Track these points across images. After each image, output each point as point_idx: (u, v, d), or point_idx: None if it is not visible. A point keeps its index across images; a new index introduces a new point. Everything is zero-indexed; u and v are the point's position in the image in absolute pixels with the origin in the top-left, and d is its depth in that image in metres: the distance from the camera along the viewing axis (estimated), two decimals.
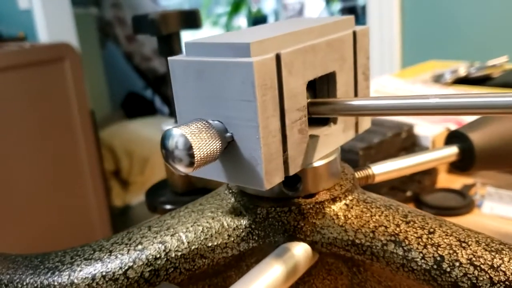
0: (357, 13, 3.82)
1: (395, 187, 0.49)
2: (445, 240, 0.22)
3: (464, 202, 0.47)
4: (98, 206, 1.79)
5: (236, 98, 0.21)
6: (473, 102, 0.19)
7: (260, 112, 0.21)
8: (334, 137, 0.26)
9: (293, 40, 0.23)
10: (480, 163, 0.32)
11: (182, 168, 0.21)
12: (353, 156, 0.49)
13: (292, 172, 0.23)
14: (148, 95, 2.96)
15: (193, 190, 0.46)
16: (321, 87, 0.26)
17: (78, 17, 2.22)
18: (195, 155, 0.20)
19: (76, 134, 1.71)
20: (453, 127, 0.54)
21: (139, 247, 0.25)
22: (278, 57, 0.21)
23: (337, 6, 3.96)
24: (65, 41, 1.79)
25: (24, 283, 0.24)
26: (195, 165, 0.21)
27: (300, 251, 0.24)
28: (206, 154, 0.21)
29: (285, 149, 0.23)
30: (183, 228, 0.25)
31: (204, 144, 0.21)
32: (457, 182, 0.52)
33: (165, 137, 0.21)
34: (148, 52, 2.68)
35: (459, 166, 0.32)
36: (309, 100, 0.24)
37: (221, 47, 0.22)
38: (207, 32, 3.67)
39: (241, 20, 3.61)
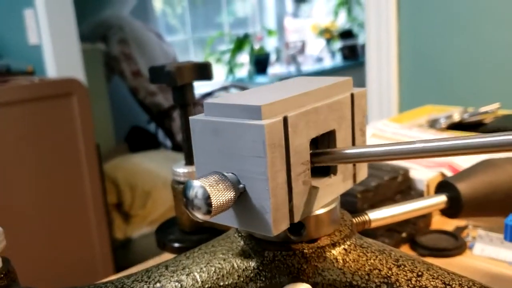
0: (357, 52, 3.91)
1: (391, 229, 0.51)
2: (432, 283, 0.25)
3: (456, 244, 0.50)
4: (100, 238, 1.81)
5: (249, 154, 0.24)
6: (450, 144, 0.23)
7: (269, 168, 0.24)
8: (334, 187, 0.29)
9: (298, 102, 0.26)
10: (467, 211, 0.34)
11: (200, 216, 0.24)
12: (351, 199, 0.52)
13: (296, 219, 0.26)
14: (152, 129, 3.00)
15: (200, 229, 0.49)
16: (322, 141, 0.29)
17: (85, 52, 2.28)
18: (213, 204, 0.23)
19: (81, 167, 1.74)
20: (447, 171, 0.57)
21: (158, 285, 0.27)
22: (285, 120, 0.25)
23: (337, 45, 4.05)
24: (73, 75, 1.84)
25: None
26: (212, 213, 0.24)
27: None
28: (221, 203, 0.24)
29: (290, 199, 0.26)
30: (197, 268, 0.28)
31: (220, 194, 0.24)
32: (450, 224, 0.54)
33: (186, 188, 0.24)
34: (152, 87, 2.74)
35: (448, 213, 0.35)
36: (311, 151, 0.27)
37: (235, 108, 0.25)
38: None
39: (244, 57, 3.69)
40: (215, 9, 3.92)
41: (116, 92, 2.87)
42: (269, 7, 4.12)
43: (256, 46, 3.68)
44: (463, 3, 1.07)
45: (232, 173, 0.25)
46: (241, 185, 0.25)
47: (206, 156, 0.26)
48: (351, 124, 0.30)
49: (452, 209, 0.35)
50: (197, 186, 0.24)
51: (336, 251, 0.28)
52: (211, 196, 0.23)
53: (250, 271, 0.28)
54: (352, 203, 0.52)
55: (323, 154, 0.27)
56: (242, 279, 0.28)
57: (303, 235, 0.28)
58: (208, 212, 0.24)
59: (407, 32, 1.08)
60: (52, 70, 2.07)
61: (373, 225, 0.33)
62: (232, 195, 0.24)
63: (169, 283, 0.27)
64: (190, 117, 0.27)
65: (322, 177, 0.29)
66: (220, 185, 0.24)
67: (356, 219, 0.32)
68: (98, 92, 2.57)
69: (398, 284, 0.25)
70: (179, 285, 0.27)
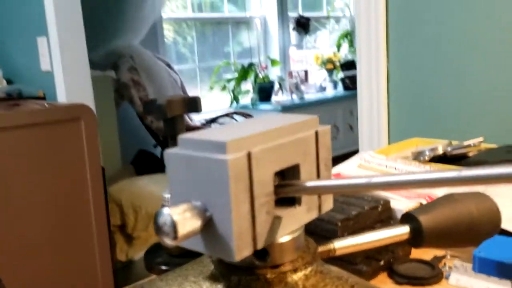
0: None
1: (370, 256, 0.53)
2: None
3: (433, 273, 0.51)
4: (102, 259, 1.83)
5: (215, 186, 0.27)
6: (402, 179, 0.25)
7: (232, 199, 0.27)
8: (299, 217, 0.32)
9: (263, 139, 0.29)
10: (429, 241, 0.37)
11: (168, 241, 0.26)
12: (332, 227, 0.54)
13: (259, 246, 0.29)
14: (158, 153, 3.04)
15: (186, 253, 0.51)
16: (288, 174, 0.32)
17: (96, 79, 2.34)
18: (178, 232, 0.26)
19: (87, 189, 1.78)
20: (425, 202, 0.59)
21: None
22: (249, 155, 0.28)
23: (339, 75, 4.12)
24: (82, 101, 1.89)
25: None
26: (178, 239, 0.26)
27: None
28: (187, 231, 0.26)
29: (254, 228, 0.28)
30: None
31: (187, 223, 0.26)
32: (429, 253, 0.56)
33: (156, 215, 0.26)
34: None
35: (411, 243, 0.37)
36: (276, 183, 0.30)
37: (205, 143, 0.28)
38: (216, 96, 3.81)
39: (248, 86, 3.76)
40: (222, 39, 4.00)
41: (124, 117, 2.93)
42: (274, 38, 4.21)
43: (260, 75, 3.74)
44: (450, 42, 1.11)
45: (201, 202, 0.28)
46: (208, 214, 0.28)
47: (179, 186, 0.29)
48: (316, 159, 0.33)
49: (414, 240, 0.37)
50: (166, 214, 0.26)
51: (297, 276, 0.30)
52: (177, 224, 0.26)
53: None
54: (332, 231, 0.55)
55: (287, 186, 0.30)
56: None
57: (267, 261, 0.30)
58: (175, 238, 0.26)
59: (396, 69, 1.12)
60: (62, 96, 2.13)
61: (338, 253, 0.35)
62: (198, 223, 0.27)
63: None
64: (166, 150, 0.29)
65: (287, 207, 0.32)
66: (187, 213, 0.27)
67: (321, 247, 0.34)
68: (107, 117, 2.63)
69: None
70: None
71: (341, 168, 0.75)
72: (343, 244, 0.35)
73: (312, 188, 0.29)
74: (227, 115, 3.17)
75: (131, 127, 2.97)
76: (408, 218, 0.38)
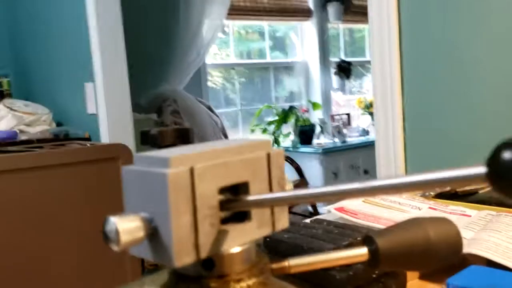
0: None
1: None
2: None
3: None
4: None
5: (159, 198, 0.30)
6: (341, 189, 0.27)
7: (172, 210, 0.29)
8: (248, 232, 0.34)
9: (208, 157, 0.32)
10: (386, 263, 0.38)
11: (113, 246, 0.29)
12: None
13: (203, 256, 0.31)
14: None
15: None
16: (239, 191, 0.34)
17: (139, 121, 2.45)
18: (121, 239, 0.29)
19: None
20: None
21: None
22: (192, 170, 0.30)
23: None
24: (124, 142, 1.98)
25: None
26: (121, 246, 0.29)
27: None
28: (130, 240, 0.29)
29: (196, 238, 0.31)
30: None
31: (130, 231, 0.29)
32: (426, 287, 0.56)
33: (104, 223, 0.29)
34: None
35: (370, 264, 0.38)
36: (221, 199, 0.32)
37: (153, 159, 0.31)
38: (257, 137, 3.86)
39: (289, 129, 3.80)
40: (265, 84, 4.11)
41: None
42: (315, 82, 4.27)
43: (301, 118, 3.78)
44: (462, 77, 1.11)
45: (148, 213, 0.31)
46: (153, 224, 0.30)
47: (132, 199, 0.32)
48: (268, 177, 0.35)
49: (373, 261, 0.38)
50: (112, 223, 0.29)
51: (239, 286, 0.32)
52: (120, 232, 0.29)
53: None
54: None
55: (234, 201, 0.32)
56: None
57: (213, 271, 0.32)
58: (118, 244, 0.29)
59: (411, 108, 1.13)
60: (105, 137, 2.24)
61: (293, 270, 0.36)
62: (141, 233, 0.30)
63: None
64: (122, 167, 0.33)
65: (237, 222, 0.34)
66: (132, 223, 0.29)
67: (275, 264, 0.36)
68: None
69: None
70: None
71: (345, 203, 0.76)
72: (298, 262, 0.37)
73: (253, 202, 0.31)
74: None
75: None
76: (367, 240, 0.39)
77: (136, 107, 2.30)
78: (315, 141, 3.90)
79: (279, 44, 4.32)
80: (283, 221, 0.36)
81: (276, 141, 3.71)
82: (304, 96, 4.24)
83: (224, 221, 0.33)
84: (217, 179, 0.32)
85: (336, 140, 3.89)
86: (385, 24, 1.07)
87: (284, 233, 0.64)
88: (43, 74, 2.46)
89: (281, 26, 4.28)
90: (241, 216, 0.35)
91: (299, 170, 3.05)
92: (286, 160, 3.22)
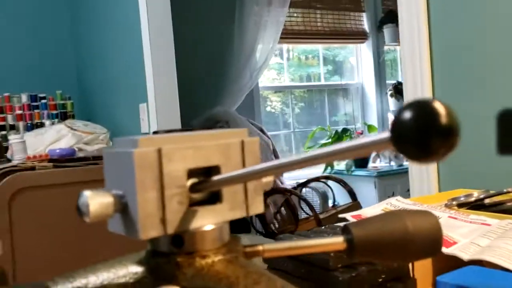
0: None
1: None
2: None
3: None
4: None
5: (128, 175, 0.32)
6: (306, 157, 0.28)
7: (138, 186, 0.32)
8: (219, 213, 0.35)
9: (179, 140, 0.34)
10: (361, 253, 0.38)
11: (84, 218, 0.32)
12: (324, 257, 0.56)
13: (169, 231, 0.33)
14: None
15: None
16: (212, 174, 0.36)
17: None
18: (91, 212, 0.31)
19: None
20: None
21: (71, 280, 0.35)
22: (159, 150, 0.33)
23: None
24: None
25: None
26: (91, 218, 0.31)
27: None
28: (99, 213, 0.31)
29: (164, 214, 0.33)
30: (103, 270, 0.35)
31: (99, 204, 0.32)
32: None
33: (79, 196, 0.32)
34: None
35: (346, 254, 0.39)
36: (193, 182, 0.34)
37: (127, 141, 0.34)
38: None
39: None
40: (320, 107, 4.11)
41: None
42: (371, 104, 4.21)
43: None
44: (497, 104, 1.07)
45: (120, 190, 0.33)
46: (123, 200, 0.33)
47: (109, 177, 0.35)
48: (242, 163, 0.37)
49: (348, 250, 0.38)
50: (84, 196, 0.32)
51: (204, 262, 0.33)
52: (90, 205, 0.31)
53: (139, 275, 0.34)
54: (324, 260, 0.56)
55: (202, 183, 0.34)
56: (131, 281, 0.34)
57: (182, 248, 0.34)
58: (88, 217, 0.31)
59: None
60: None
61: (267, 255, 0.38)
62: (110, 207, 0.32)
63: (79, 280, 0.35)
64: (103, 149, 0.36)
65: (210, 204, 0.36)
66: (103, 198, 0.32)
67: (249, 247, 0.37)
68: None
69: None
70: (86, 281, 0.35)
71: (365, 210, 0.75)
72: (272, 247, 0.38)
73: (219, 180, 0.33)
74: (318, 179, 3.19)
75: None
76: (344, 229, 0.39)
77: (189, 128, 2.37)
78: (370, 164, 3.83)
79: (338, 68, 4.32)
80: (257, 205, 0.37)
81: (330, 164, 3.67)
82: (360, 119, 4.19)
83: (198, 204, 0.35)
84: (186, 161, 0.34)
85: (393, 163, 3.81)
86: (416, 47, 1.06)
87: (294, 236, 0.64)
88: (102, 96, 2.61)
89: (341, 50, 4.29)
90: (215, 200, 0.36)
91: (351, 193, 3.00)
92: (338, 183, 3.18)
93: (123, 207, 0.33)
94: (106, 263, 0.36)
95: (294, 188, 3.09)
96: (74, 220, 1.68)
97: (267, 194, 2.89)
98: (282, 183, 3.15)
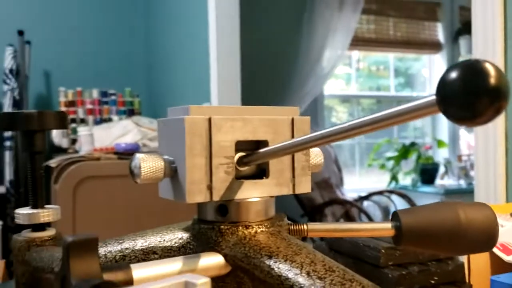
0: None
1: None
2: (306, 260, 0.30)
3: None
4: None
5: (179, 140, 0.33)
6: (350, 125, 0.28)
7: (187, 150, 0.33)
8: (265, 188, 0.36)
9: (230, 112, 0.35)
10: (409, 240, 0.37)
11: (135, 179, 0.33)
12: (375, 253, 0.54)
13: (215, 198, 0.33)
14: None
15: None
16: (258, 149, 0.36)
17: None
18: (142, 174, 0.33)
19: None
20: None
21: (120, 241, 0.37)
22: (210, 120, 0.33)
23: None
24: None
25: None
26: (141, 179, 0.33)
27: (212, 258, 0.33)
28: (150, 175, 0.33)
29: (210, 181, 0.33)
30: (152, 234, 0.37)
31: (150, 167, 0.33)
32: None
33: (132, 159, 0.34)
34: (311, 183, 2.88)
35: (394, 241, 0.38)
36: (238, 155, 0.35)
37: (179, 110, 0.35)
38: (376, 174, 3.78)
39: (409, 166, 3.64)
40: None
41: None
42: (443, 119, 4.05)
43: (424, 155, 3.61)
44: None
45: (172, 156, 0.34)
46: (173, 165, 0.34)
47: (162, 144, 0.36)
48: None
49: (395, 237, 0.37)
50: (136, 158, 0.33)
51: (247, 231, 0.34)
52: (142, 166, 0.33)
53: (183, 240, 0.35)
54: (375, 257, 0.54)
55: (249, 156, 0.35)
56: (177, 245, 0.35)
57: (226, 217, 0.35)
58: (139, 178, 0.33)
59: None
60: None
61: (311, 234, 0.37)
62: (161, 170, 0.33)
63: (128, 242, 0.37)
64: (158, 119, 0.37)
65: (257, 179, 0.36)
66: (154, 162, 0.33)
67: (293, 225, 0.37)
68: None
69: (277, 257, 0.31)
70: (134, 243, 0.36)
71: None
72: (316, 227, 0.38)
73: (263, 153, 0.33)
74: (381, 193, 3.11)
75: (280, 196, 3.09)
76: (394, 216, 0.38)
77: None
78: (438, 181, 3.68)
79: (410, 81, 4.21)
80: (304, 185, 0.37)
81: (394, 178, 3.57)
82: (429, 133, 4.05)
83: (245, 178, 0.35)
84: (235, 132, 0.34)
85: (462, 181, 3.64)
86: (489, 59, 1.01)
87: None
88: (168, 95, 2.69)
89: (413, 62, 4.18)
90: (261, 175, 0.37)
91: None
92: (402, 198, 3.08)
93: (172, 172, 0.34)
94: (155, 229, 0.38)
95: (355, 200, 3.03)
96: (134, 210, 1.74)
97: (326, 205, 2.85)
98: (342, 194, 3.10)
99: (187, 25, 2.37)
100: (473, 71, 0.20)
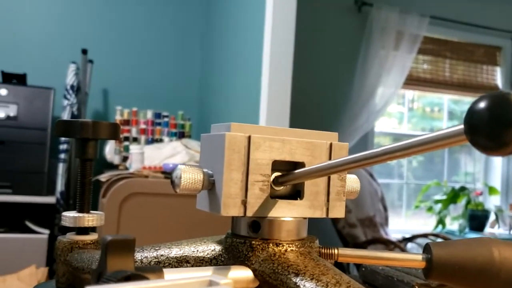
0: None
1: None
2: (332, 280, 0.30)
3: None
4: None
5: (218, 155, 0.35)
6: (384, 150, 0.29)
7: (226, 165, 0.34)
8: (298, 209, 0.37)
9: (269, 132, 0.36)
10: (439, 274, 0.36)
11: (175, 188, 0.35)
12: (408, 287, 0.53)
13: (249, 214, 0.35)
14: None
15: None
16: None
17: None
18: (182, 184, 0.34)
19: None
20: None
21: (156, 248, 0.39)
22: (249, 137, 0.35)
23: None
24: None
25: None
26: (181, 189, 0.34)
27: (241, 271, 0.34)
28: (189, 186, 0.34)
29: (245, 196, 0.35)
30: (186, 245, 0.38)
31: (189, 178, 0.35)
32: None
33: (174, 169, 0.36)
34: (353, 219, 2.83)
35: (424, 273, 0.37)
36: (274, 175, 0.36)
37: (221, 127, 0.37)
38: (422, 216, 3.67)
39: (458, 211, 3.52)
40: (439, 161, 3.92)
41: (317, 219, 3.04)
42: (496, 164, 3.91)
43: (473, 202, 3.47)
44: None
45: (211, 170, 0.36)
46: (212, 178, 0.36)
47: (203, 158, 0.38)
48: None
49: (426, 269, 0.37)
50: (178, 169, 0.35)
51: (277, 249, 0.35)
52: (182, 177, 0.35)
53: (216, 252, 0.37)
54: None
55: (285, 176, 0.36)
56: (209, 256, 0.37)
57: (258, 233, 0.36)
58: (179, 188, 0.35)
59: None
60: None
61: (341, 259, 0.38)
62: (200, 182, 0.35)
63: (164, 249, 0.38)
64: (202, 134, 0.39)
65: (291, 199, 0.37)
66: (193, 173, 0.35)
67: (324, 249, 0.38)
68: None
69: (303, 275, 0.31)
70: (169, 251, 0.38)
71: None
72: (347, 253, 0.38)
73: (299, 173, 0.34)
74: (426, 235, 3.01)
75: (320, 229, 3.05)
76: (426, 248, 0.38)
77: None
78: (487, 229, 3.53)
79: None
80: (338, 210, 0.38)
81: (441, 222, 3.45)
82: (481, 179, 3.91)
83: (280, 198, 0.36)
84: (272, 152, 0.36)
85: None
86: None
87: (381, 266, 0.63)
88: (217, 120, 2.75)
89: (469, 105, 4.08)
90: (296, 196, 0.38)
91: None
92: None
93: (211, 185, 0.35)
94: (190, 240, 0.39)
95: (399, 241, 2.95)
96: (175, 227, 1.77)
97: (368, 243, 2.79)
98: (386, 234, 3.02)
99: (242, 54, 2.43)
100: (501, 101, 0.21)
